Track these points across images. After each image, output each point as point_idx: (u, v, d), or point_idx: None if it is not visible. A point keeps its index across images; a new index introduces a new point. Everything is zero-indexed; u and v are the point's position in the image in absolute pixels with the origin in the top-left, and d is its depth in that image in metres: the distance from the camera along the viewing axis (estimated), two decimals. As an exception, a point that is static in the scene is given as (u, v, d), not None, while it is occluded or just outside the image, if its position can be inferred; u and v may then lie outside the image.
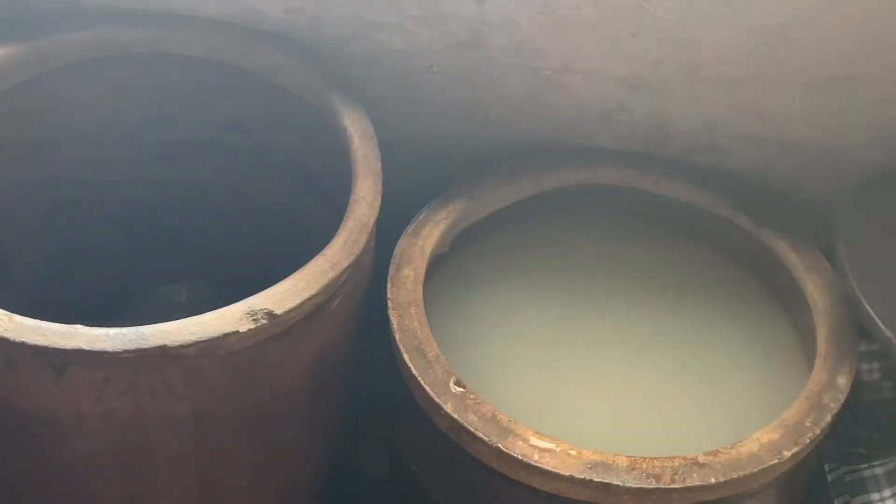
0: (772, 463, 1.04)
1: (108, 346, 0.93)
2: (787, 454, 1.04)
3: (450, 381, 1.07)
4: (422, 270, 1.16)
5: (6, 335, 0.92)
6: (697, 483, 1.01)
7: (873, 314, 1.12)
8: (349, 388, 1.20)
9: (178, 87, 1.25)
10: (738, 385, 1.21)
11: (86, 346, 0.92)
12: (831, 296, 1.19)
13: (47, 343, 0.92)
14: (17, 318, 0.94)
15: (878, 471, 1.20)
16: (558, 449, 1.02)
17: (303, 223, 1.28)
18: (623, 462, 1.01)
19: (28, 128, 1.22)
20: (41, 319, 0.94)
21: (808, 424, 1.07)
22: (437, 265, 1.23)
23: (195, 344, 0.94)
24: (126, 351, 0.93)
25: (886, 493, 1.18)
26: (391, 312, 1.12)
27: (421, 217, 1.21)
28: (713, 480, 1.01)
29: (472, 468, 1.05)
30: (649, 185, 1.31)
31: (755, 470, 1.03)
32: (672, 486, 1.01)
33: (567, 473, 1.00)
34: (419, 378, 1.07)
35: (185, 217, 1.35)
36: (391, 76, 1.27)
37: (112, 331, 0.94)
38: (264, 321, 0.97)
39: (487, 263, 1.29)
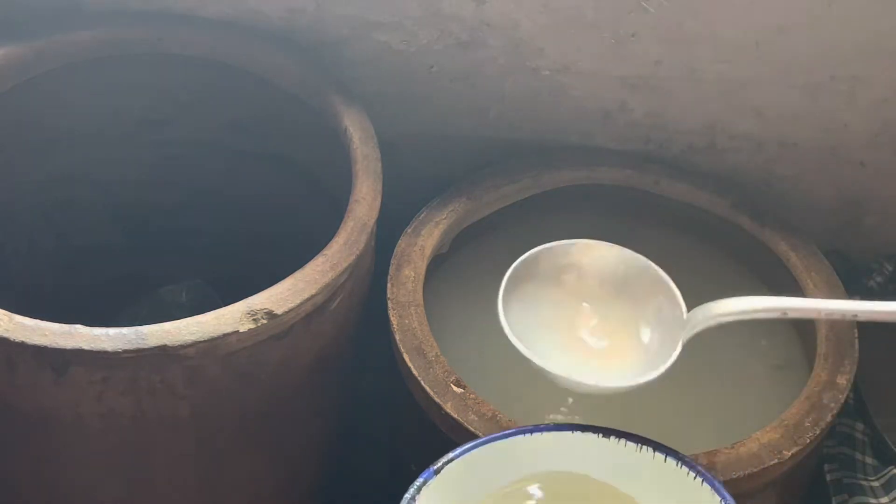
0: (772, 463, 1.04)
1: (108, 346, 0.93)
2: (787, 454, 1.04)
3: (450, 381, 1.07)
4: (422, 270, 1.16)
5: (6, 335, 0.92)
6: (697, 483, 1.01)
7: None
8: (349, 388, 1.20)
9: (178, 87, 1.25)
10: (738, 385, 1.21)
11: (86, 346, 0.92)
12: (831, 296, 1.18)
13: (47, 343, 0.92)
14: (17, 318, 0.94)
15: (874, 483, 1.20)
16: (558, 449, 1.02)
17: (303, 223, 1.28)
18: (623, 462, 1.01)
19: (28, 128, 1.22)
20: (41, 319, 0.94)
21: (808, 424, 1.07)
22: (437, 265, 1.23)
23: (195, 344, 0.94)
24: (126, 351, 0.93)
25: (883, 499, 1.18)
26: (391, 312, 1.12)
27: (421, 217, 1.21)
28: (713, 480, 1.01)
29: (472, 468, 1.06)
30: (649, 185, 1.30)
31: (755, 470, 1.03)
32: (672, 485, 1.01)
33: (567, 473, 1.00)
34: (419, 378, 1.07)
35: (185, 217, 1.35)
36: (391, 76, 1.27)
37: (112, 331, 0.94)
38: (264, 321, 0.97)
39: (487, 263, 1.28)
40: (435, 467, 0.89)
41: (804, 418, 1.07)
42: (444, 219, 1.22)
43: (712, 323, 0.99)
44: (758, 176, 1.33)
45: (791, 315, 0.99)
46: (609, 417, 1.14)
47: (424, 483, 0.88)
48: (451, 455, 0.89)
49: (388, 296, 1.13)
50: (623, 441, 0.94)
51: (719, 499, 0.87)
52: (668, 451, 0.91)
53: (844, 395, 1.10)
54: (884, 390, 1.26)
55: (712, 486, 0.87)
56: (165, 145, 1.29)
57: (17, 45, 1.16)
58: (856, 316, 0.99)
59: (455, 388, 1.06)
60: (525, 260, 1.04)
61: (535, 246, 1.31)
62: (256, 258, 1.33)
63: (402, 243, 1.19)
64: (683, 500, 0.89)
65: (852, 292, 1.28)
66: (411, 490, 0.87)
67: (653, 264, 1.03)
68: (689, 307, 1.28)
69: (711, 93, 1.27)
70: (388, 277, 1.15)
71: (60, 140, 1.25)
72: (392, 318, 1.11)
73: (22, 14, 1.19)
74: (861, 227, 1.38)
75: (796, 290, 1.21)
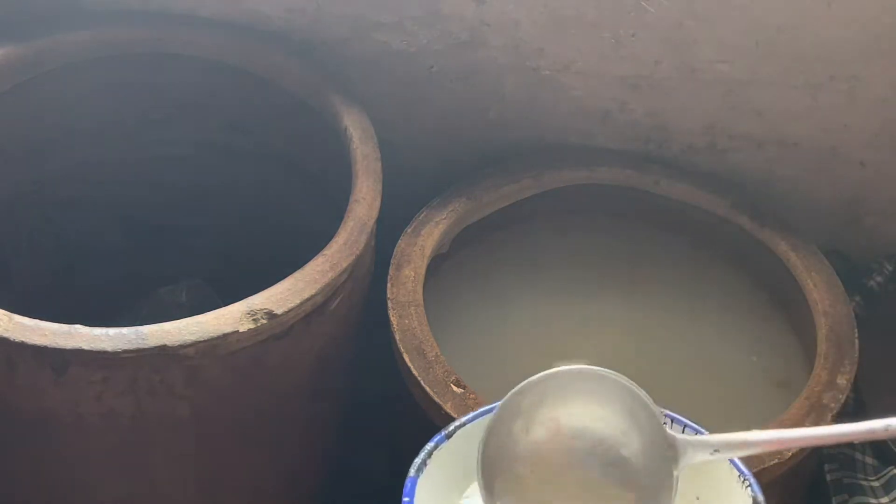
0: (772, 463, 1.04)
1: (108, 346, 0.93)
2: (787, 454, 1.04)
3: (450, 381, 1.07)
4: (422, 270, 1.16)
5: (6, 335, 0.92)
6: (697, 483, 1.01)
7: None
8: (349, 388, 1.20)
9: (178, 87, 1.25)
10: (739, 385, 1.21)
11: (86, 346, 0.92)
12: (831, 296, 1.19)
13: (47, 343, 0.92)
14: (17, 318, 0.94)
15: (875, 483, 1.20)
16: (558, 449, 1.01)
17: (303, 223, 1.28)
18: (623, 462, 1.01)
19: (28, 128, 1.22)
20: (41, 319, 0.94)
21: (808, 424, 1.07)
22: (437, 265, 1.23)
23: (195, 344, 0.94)
24: (126, 351, 0.93)
25: (884, 499, 1.18)
26: (391, 312, 1.12)
27: (421, 217, 1.21)
28: (713, 480, 1.01)
29: (472, 468, 1.05)
30: (649, 185, 1.30)
31: (755, 470, 1.02)
32: (672, 485, 1.00)
33: (567, 473, 1.00)
34: (419, 378, 1.07)
35: (186, 217, 1.35)
36: (391, 76, 1.27)
37: (112, 331, 0.94)
38: (264, 321, 0.97)
39: (487, 263, 1.29)
40: (446, 431, 0.87)
41: (804, 418, 1.07)
42: (444, 219, 1.22)
43: (700, 460, 0.84)
44: (758, 176, 1.33)
45: (786, 447, 0.93)
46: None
47: (436, 447, 0.86)
48: (463, 419, 0.87)
49: (388, 296, 1.13)
50: None
51: (738, 473, 0.85)
52: (685, 425, 0.89)
53: (844, 395, 1.10)
54: (884, 390, 1.26)
55: (733, 463, 0.86)
56: (165, 145, 1.29)
57: (17, 45, 1.16)
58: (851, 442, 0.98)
59: (455, 388, 1.06)
60: (495, 415, 0.86)
61: (533, 247, 1.32)
62: (256, 258, 1.33)
63: (402, 243, 1.19)
64: (704, 476, 0.87)
65: (852, 292, 1.28)
66: (422, 454, 0.85)
67: (629, 383, 0.87)
68: (689, 307, 1.29)
69: (711, 93, 1.27)
70: (388, 277, 1.15)
71: (60, 140, 1.25)
72: (392, 318, 1.11)
73: (22, 14, 1.19)
74: (861, 227, 1.38)
75: (796, 290, 1.21)
